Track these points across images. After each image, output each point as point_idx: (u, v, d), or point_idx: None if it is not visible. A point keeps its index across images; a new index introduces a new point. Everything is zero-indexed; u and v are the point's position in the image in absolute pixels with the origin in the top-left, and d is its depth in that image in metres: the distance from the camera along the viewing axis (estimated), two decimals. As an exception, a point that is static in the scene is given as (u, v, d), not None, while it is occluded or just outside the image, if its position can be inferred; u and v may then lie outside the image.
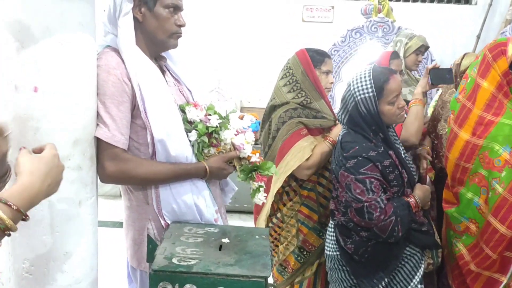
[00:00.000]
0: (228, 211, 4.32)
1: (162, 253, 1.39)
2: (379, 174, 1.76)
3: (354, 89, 1.83)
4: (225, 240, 1.50)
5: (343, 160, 1.81)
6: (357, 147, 1.79)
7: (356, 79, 1.85)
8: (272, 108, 2.29)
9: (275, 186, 2.20)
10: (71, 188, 1.36)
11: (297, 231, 2.25)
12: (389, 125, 1.87)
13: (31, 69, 1.25)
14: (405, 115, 2.16)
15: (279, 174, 2.16)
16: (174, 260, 1.34)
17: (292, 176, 2.19)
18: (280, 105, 2.24)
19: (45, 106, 1.28)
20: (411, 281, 1.86)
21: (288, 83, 2.26)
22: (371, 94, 1.80)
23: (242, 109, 4.74)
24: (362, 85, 1.81)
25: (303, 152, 2.10)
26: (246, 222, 4.13)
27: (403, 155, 1.88)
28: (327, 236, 2.04)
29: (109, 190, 4.71)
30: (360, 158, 1.76)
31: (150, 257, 1.48)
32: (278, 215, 2.29)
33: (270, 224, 2.33)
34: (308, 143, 2.13)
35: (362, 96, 1.81)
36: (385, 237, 1.75)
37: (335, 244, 1.93)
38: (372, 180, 1.74)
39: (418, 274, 1.87)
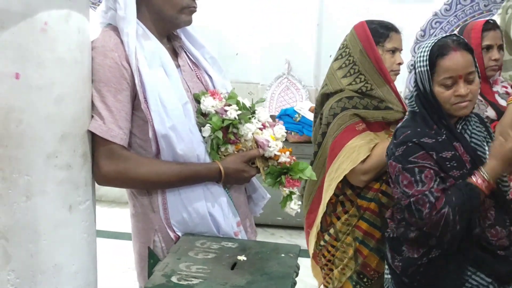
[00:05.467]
0: (273, 226, 4.34)
1: (161, 270, 1.43)
2: (433, 164, 1.71)
3: (416, 59, 1.83)
4: (241, 258, 1.50)
5: (393, 149, 1.80)
6: (409, 132, 1.78)
7: (421, 48, 1.84)
8: (323, 97, 2.27)
9: (326, 194, 2.17)
10: (58, 190, 1.43)
11: (355, 252, 2.20)
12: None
13: (12, 53, 1.34)
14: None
15: (329, 180, 2.14)
16: (173, 279, 1.37)
17: (347, 183, 2.15)
18: (333, 93, 2.21)
19: (28, 95, 1.37)
20: None
21: (343, 65, 2.22)
22: (424, 68, 1.78)
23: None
24: (420, 55, 1.81)
25: (358, 153, 2.05)
26: (297, 240, 4.11)
27: (482, 155, 1.77)
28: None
29: (121, 196, 4.92)
30: (410, 144, 1.75)
31: (150, 274, 1.52)
32: (331, 231, 2.26)
33: (322, 243, 2.30)
34: (365, 141, 2.08)
35: (418, 69, 1.81)
36: (438, 236, 1.70)
37: (386, 264, 1.90)
38: (422, 168, 1.71)
39: None
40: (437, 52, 1.76)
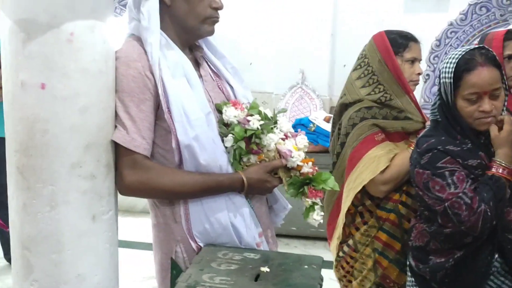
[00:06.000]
0: (287, 236, 4.33)
1: (185, 281, 1.42)
2: (460, 167, 1.72)
3: (441, 69, 1.83)
4: (265, 269, 1.49)
5: (417, 158, 1.80)
6: (433, 140, 1.78)
7: (447, 58, 1.83)
8: (342, 108, 2.26)
9: (345, 205, 2.16)
10: (82, 200, 1.44)
11: (374, 264, 2.17)
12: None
13: (38, 63, 1.36)
14: None
15: (348, 191, 2.12)
16: (197, 290, 1.37)
17: (366, 193, 2.13)
18: (352, 103, 2.20)
19: (53, 106, 1.38)
20: None
21: (362, 75, 2.21)
22: (448, 80, 1.77)
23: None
24: (446, 67, 1.79)
25: (378, 162, 2.03)
26: (311, 251, 4.09)
27: None
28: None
29: (134, 206, 4.92)
30: (435, 151, 1.75)
31: (173, 285, 1.52)
32: (350, 242, 2.23)
33: (341, 254, 2.28)
34: (385, 151, 2.06)
35: (443, 80, 1.80)
36: (477, 234, 1.70)
37: (411, 277, 1.89)
38: (453, 171, 1.71)
39: None
40: (464, 66, 1.74)
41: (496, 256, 1.77)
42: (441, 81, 1.81)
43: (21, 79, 1.37)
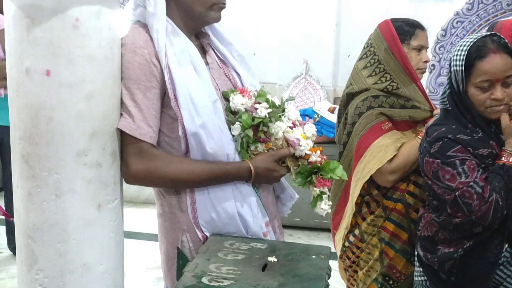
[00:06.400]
0: (291, 227, 4.32)
1: (191, 271, 1.40)
2: (471, 156, 1.71)
3: (452, 57, 1.80)
4: (272, 259, 1.48)
5: (427, 147, 1.79)
6: (443, 129, 1.77)
7: (458, 46, 1.81)
8: (348, 97, 2.24)
9: (354, 195, 2.14)
10: (88, 189, 1.42)
11: (381, 254, 2.16)
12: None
13: (43, 50, 1.33)
14: None
15: (356, 181, 2.10)
16: (204, 280, 1.35)
17: (373, 183, 2.12)
18: (358, 92, 2.18)
19: (58, 93, 1.35)
20: None
21: (368, 64, 2.19)
22: (459, 68, 1.74)
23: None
24: (457, 54, 1.77)
25: (385, 152, 2.02)
26: (315, 242, 4.07)
27: None
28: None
29: (137, 196, 4.91)
30: (445, 140, 1.74)
31: (180, 275, 1.50)
32: (356, 232, 2.22)
33: (347, 244, 2.27)
34: (392, 140, 2.05)
35: (454, 67, 1.77)
36: (487, 224, 1.69)
37: (419, 267, 1.88)
38: (463, 160, 1.69)
39: None
40: (475, 54, 1.72)
41: (506, 246, 1.75)
42: (452, 69, 1.79)
43: (25, 66, 1.34)
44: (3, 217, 2.66)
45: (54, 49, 1.33)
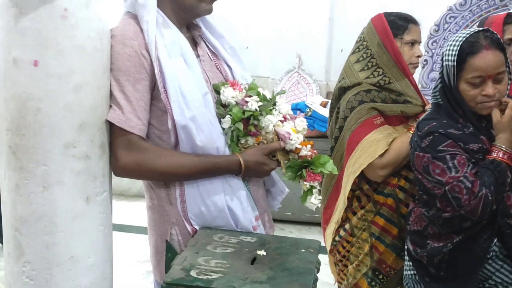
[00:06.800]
0: (282, 221, 4.31)
1: (180, 264, 1.40)
2: (461, 151, 1.71)
3: (444, 51, 1.80)
4: (261, 253, 1.48)
5: (417, 141, 1.79)
6: (434, 123, 1.77)
7: (450, 41, 1.80)
8: (340, 91, 2.23)
9: (345, 190, 2.14)
10: (76, 181, 1.41)
11: (371, 248, 2.16)
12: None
13: (31, 40, 1.31)
14: None
15: (347, 175, 2.10)
16: (193, 273, 1.35)
17: (363, 178, 2.12)
18: (351, 86, 2.17)
19: (46, 84, 1.34)
20: None
21: (361, 58, 2.18)
22: (451, 63, 1.74)
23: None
24: (449, 49, 1.76)
25: (376, 146, 2.01)
26: (306, 236, 4.07)
27: None
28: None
29: (128, 189, 4.89)
30: (436, 134, 1.74)
31: (168, 268, 1.50)
32: (347, 226, 2.22)
33: (337, 238, 2.27)
34: (383, 135, 2.04)
35: (446, 62, 1.77)
36: (477, 219, 1.69)
37: (409, 261, 1.89)
38: (454, 155, 1.70)
39: None
40: (468, 49, 1.71)
41: (495, 240, 1.76)
42: (444, 63, 1.78)
43: (13, 56, 1.33)
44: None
45: (42, 39, 1.32)
